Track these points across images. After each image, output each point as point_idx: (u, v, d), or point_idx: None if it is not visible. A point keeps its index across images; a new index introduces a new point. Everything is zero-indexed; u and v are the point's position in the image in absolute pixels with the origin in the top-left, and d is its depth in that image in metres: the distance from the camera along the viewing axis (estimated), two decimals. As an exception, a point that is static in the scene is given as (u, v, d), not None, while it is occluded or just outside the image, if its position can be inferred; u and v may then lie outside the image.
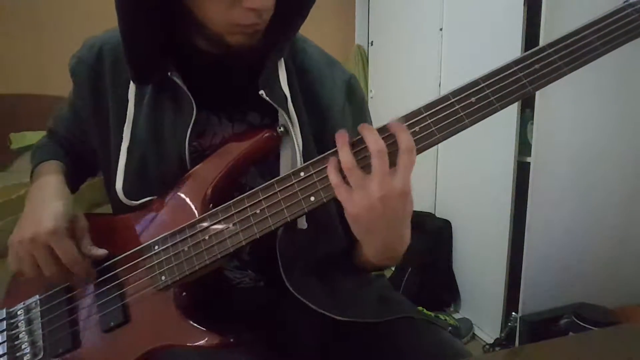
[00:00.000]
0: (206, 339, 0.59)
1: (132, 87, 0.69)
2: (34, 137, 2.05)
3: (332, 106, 0.72)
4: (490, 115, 0.56)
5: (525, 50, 0.57)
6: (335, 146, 0.58)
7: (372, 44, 2.88)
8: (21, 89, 2.34)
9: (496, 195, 1.79)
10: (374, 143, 0.54)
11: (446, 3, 2.06)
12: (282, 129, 0.67)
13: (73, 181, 0.78)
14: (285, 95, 0.68)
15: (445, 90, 0.58)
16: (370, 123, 0.78)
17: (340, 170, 0.56)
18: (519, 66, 0.55)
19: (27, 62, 2.42)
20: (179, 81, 0.65)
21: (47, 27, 2.43)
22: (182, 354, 0.60)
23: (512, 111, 1.65)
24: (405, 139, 0.54)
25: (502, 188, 1.74)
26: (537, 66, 0.55)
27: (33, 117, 1.92)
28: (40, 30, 2.43)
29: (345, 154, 0.55)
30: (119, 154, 0.69)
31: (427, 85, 2.18)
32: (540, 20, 1.51)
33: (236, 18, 0.59)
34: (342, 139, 0.56)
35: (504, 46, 1.68)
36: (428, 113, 0.56)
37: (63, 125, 0.81)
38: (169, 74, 0.66)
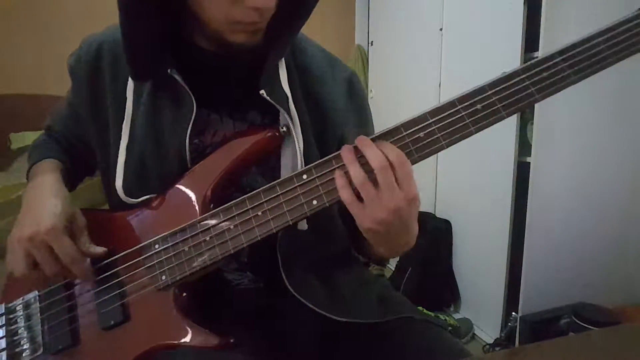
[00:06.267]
0: (206, 339, 0.59)
1: (130, 84, 0.69)
2: (33, 137, 2.02)
3: (333, 105, 0.72)
4: (496, 122, 0.56)
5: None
6: (336, 148, 0.58)
7: (372, 44, 2.89)
8: (21, 89, 2.33)
9: (496, 195, 1.79)
10: (376, 159, 0.54)
11: (446, 3, 2.06)
12: (284, 128, 0.66)
13: (71, 179, 0.77)
14: (286, 95, 0.68)
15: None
16: (371, 120, 0.79)
17: (349, 183, 0.56)
18: (527, 74, 0.55)
19: (27, 62, 2.42)
20: (178, 78, 0.65)
21: (47, 27, 2.43)
22: (181, 353, 0.60)
23: (512, 111, 1.66)
24: (394, 155, 0.55)
25: (502, 188, 1.74)
26: (545, 74, 0.54)
27: (33, 117, 1.92)
28: (40, 30, 2.43)
29: (355, 170, 0.55)
30: (118, 152, 0.69)
31: (427, 85, 2.17)
32: (540, 20, 1.50)
33: (237, 16, 0.58)
34: (349, 155, 0.57)
35: (504, 46, 1.67)
36: (434, 119, 0.56)
37: (61, 123, 0.81)
38: (169, 71, 0.65)
